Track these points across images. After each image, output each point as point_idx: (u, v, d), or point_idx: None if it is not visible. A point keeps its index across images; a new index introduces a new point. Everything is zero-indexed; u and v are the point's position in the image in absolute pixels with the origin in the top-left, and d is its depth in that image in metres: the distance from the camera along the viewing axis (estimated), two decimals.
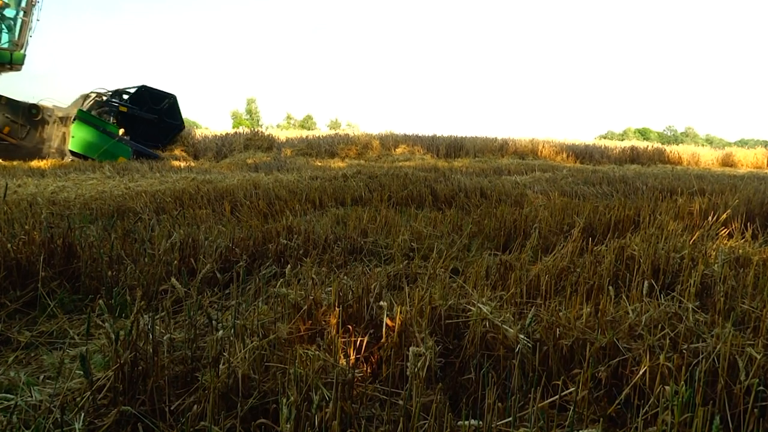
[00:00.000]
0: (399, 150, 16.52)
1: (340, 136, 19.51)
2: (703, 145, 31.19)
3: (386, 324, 1.98)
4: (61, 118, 10.63)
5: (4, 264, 2.61)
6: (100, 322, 2.29)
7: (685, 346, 1.88)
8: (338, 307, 2.09)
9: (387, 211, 4.75)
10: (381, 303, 2.09)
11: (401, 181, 6.98)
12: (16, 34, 10.34)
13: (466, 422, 1.46)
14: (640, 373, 1.71)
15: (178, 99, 11.57)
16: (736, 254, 3.20)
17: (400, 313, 1.96)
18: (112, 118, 10.74)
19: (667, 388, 1.54)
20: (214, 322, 2.02)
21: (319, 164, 11.40)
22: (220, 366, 1.70)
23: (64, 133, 10.17)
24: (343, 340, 1.96)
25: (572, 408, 1.49)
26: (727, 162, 19.20)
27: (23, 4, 10.25)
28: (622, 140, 43.28)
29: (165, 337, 1.85)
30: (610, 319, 2.09)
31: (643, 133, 68.05)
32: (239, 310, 2.26)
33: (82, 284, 2.71)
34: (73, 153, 9.75)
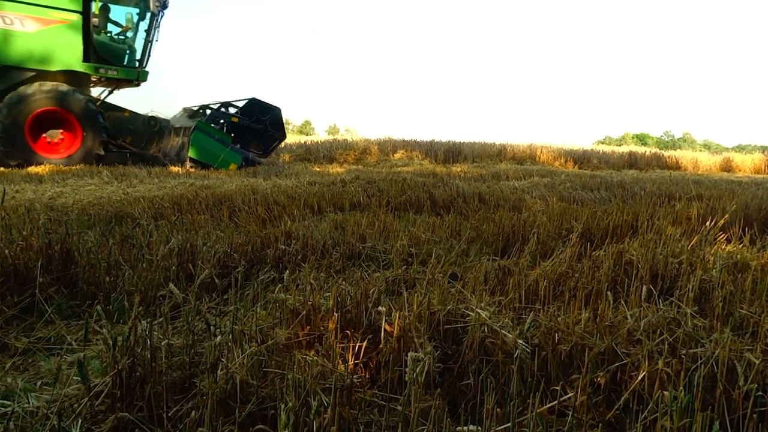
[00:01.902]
0: (397, 155, 16.54)
1: (338, 141, 19.54)
2: (700, 151, 31.28)
3: (385, 329, 1.97)
4: (177, 128, 11.38)
5: (2, 270, 2.60)
6: (98, 328, 2.28)
7: (684, 351, 1.88)
8: (337, 312, 2.09)
9: (385, 216, 4.76)
10: (379, 308, 2.09)
11: (400, 186, 6.98)
12: (139, 53, 11.11)
13: (465, 428, 1.46)
14: (639, 378, 1.71)
15: (281, 111, 12.26)
16: (735, 259, 3.20)
17: (399, 318, 1.96)
18: (224, 128, 11.47)
19: (665, 393, 1.54)
20: (212, 327, 2.02)
21: (318, 169, 11.40)
22: (219, 372, 1.70)
23: (183, 142, 10.85)
24: (341, 345, 1.96)
25: (571, 413, 1.49)
26: (725, 167, 19.25)
27: (146, 27, 11.02)
28: (620, 145, 43.40)
29: (163, 343, 1.85)
30: (608, 324, 2.09)
31: (641, 139, 68.25)
32: (237, 316, 2.26)
33: (80, 290, 2.70)
34: (192, 160, 10.40)
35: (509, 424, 1.46)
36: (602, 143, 56.73)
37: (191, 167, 10.34)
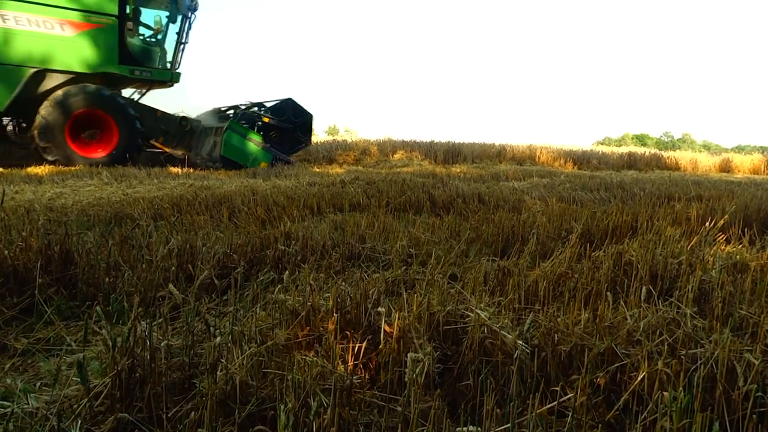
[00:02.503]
0: (397, 156, 16.54)
1: (338, 141, 19.53)
2: (700, 151, 31.26)
3: (384, 330, 1.97)
4: (208, 128, 11.64)
5: (1, 271, 2.60)
6: (98, 329, 2.28)
7: (684, 352, 1.88)
8: (336, 313, 2.09)
9: (385, 216, 4.76)
10: (379, 309, 2.09)
11: (399, 186, 6.98)
12: (170, 55, 11.46)
13: (465, 428, 1.46)
14: (639, 378, 1.71)
15: (313, 119, 12.51)
16: (734, 260, 3.20)
17: (399, 319, 1.96)
18: (256, 128, 11.75)
19: (665, 394, 1.54)
20: (211, 328, 2.02)
21: (317, 170, 11.39)
22: (218, 372, 1.70)
23: (215, 141, 11.09)
24: (341, 346, 1.96)
25: (571, 414, 1.49)
26: (724, 168, 19.27)
27: (176, 29, 11.38)
28: (620, 146, 43.43)
29: (162, 344, 1.85)
30: (608, 324, 2.09)
31: (641, 139, 68.27)
32: (237, 317, 2.26)
33: (80, 291, 2.70)
34: (224, 159, 10.65)
35: (509, 425, 1.46)
36: (602, 144, 56.75)
37: (218, 166, 10.60)
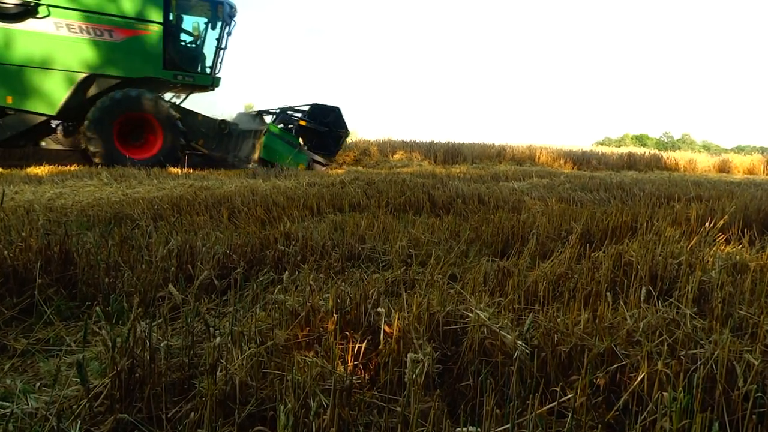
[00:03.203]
0: (397, 156, 16.54)
1: None
2: (699, 152, 31.27)
3: (384, 330, 1.97)
4: (246, 131, 12.08)
5: (1, 271, 2.60)
6: (97, 329, 2.28)
7: (683, 353, 1.88)
8: (336, 313, 2.09)
9: (385, 217, 4.76)
10: (379, 309, 2.09)
11: (399, 187, 6.98)
12: (210, 60, 11.88)
13: (465, 429, 1.46)
14: (639, 379, 1.71)
15: (342, 110, 12.93)
16: (734, 260, 3.21)
17: (398, 319, 1.96)
18: (293, 131, 12.20)
19: (665, 394, 1.54)
20: (211, 328, 2.01)
21: (317, 171, 11.40)
22: (218, 373, 1.70)
23: (253, 144, 11.61)
24: (341, 346, 1.96)
25: (570, 414, 1.49)
26: (723, 168, 19.28)
27: (216, 36, 11.75)
28: (620, 146, 43.42)
29: (162, 344, 1.85)
30: (608, 325, 2.09)
31: (641, 140, 68.27)
32: (237, 317, 2.26)
33: (79, 291, 2.70)
34: (263, 161, 11.16)
35: (509, 425, 1.46)
36: (602, 144, 56.76)
37: (257, 166, 11.05)
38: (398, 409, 1.61)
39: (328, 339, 1.98)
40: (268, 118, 13.18)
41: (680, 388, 1.55)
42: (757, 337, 2.08)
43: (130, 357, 1.68)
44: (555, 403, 1.61)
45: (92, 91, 10.35)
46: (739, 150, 41.72)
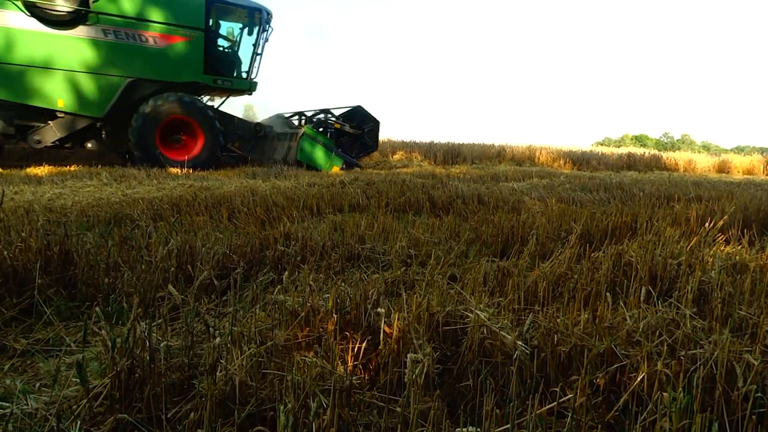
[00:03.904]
0: (397, 156, 16.55)
1: None
2: (699, 152, 31.30)
3: (384, 330, 1.97)
4: (282, 134, 12.47)
5: (1, 271, 2.60)
6: (97, 330, 2.28)
7: (683, 353, 1.88)
8: (336, 313, 2.09)
9: (385, 217, 4.76)
10: (379, 309, 2.09)
11: (399, 187, 6.98)
12: (247, 65, 12.20)
13: (464, 429, 1.46)
14: (638, 379, 1.71)
15: (380, 125, 13.32)
16: (733, 260, 3.21)
17: (398, 319, 1.96)
18: (328, 133, 12.57)
19: (665, 394, 1.54)
20: (211, 329, 2.01)
21: (317, 171, 11.41)
22: (218, 373, 1.70)
23: (289, 146, 11.94)
24: (340, 346, 1.96)
25: (570, 415, 1.49)
26: (723, 168, 19.29)
27: (253, 41, 12.07)
28: (619, 147, 43.46)
29: (162, 345, 1.85)
30: (607, 325, 2.09)
31: (640, 140, 68.29)
32: (236, 317, 2.26)
33: (79, 291, 2.70)
34: (299, 163, 11.44)
35: (508, 426, 1.46)
36: (601, 144, 56.81)
37: (302, 166, 11.37)
38: (398, 409, 1.61)
39: (328, 339, 1.98)
40: (296, 121, 13.53)
41: (680, 389, 1.55)
42: (757, 337, 2.08)
43: (130, 357, 1.68)
44: (555, 403, 1.61)
45: (137, 95, 10.71)
46: (738, 150, 41.74)
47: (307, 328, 2.10)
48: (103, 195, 6.19)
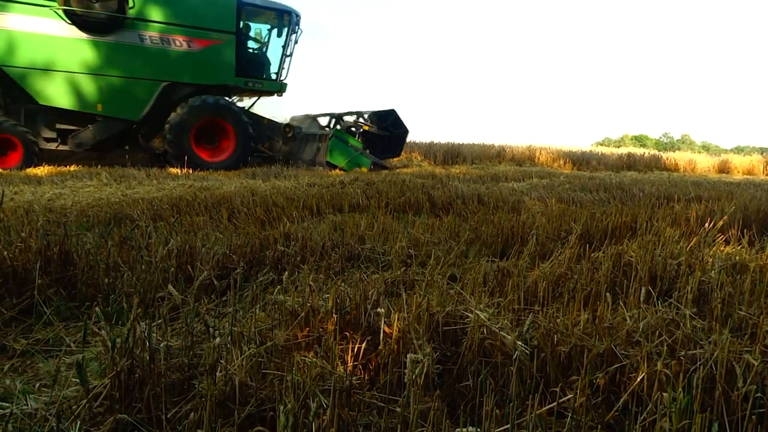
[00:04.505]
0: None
1: None
2: (699, 152, 31.30)
3: (384, 331, 1.97)
4: (310, 135, 12.65)
5: (1, 272, 2.60)
6: (97, 330, 2.28)
7: (683, 353, 1.88)
8: (336, 313, 2.09)
9: (384, 217, 4.76)
10: (379, 310, 2.09)
11: (399, 187, 6.98)
12: (276, 66, 12.42)
13: (464, 429, 1.46)
14: (638, 379, 1.71)
15: (397, 111, 13.54)
16: (733, 261, 3.21)
17: (398, 319, 1.96)
18: (357, 136, 12.89)
19: (665, 394, 1.54)
20: (211, 329, 2.01)
21: (317, 171, 11.42)
22: (218, 373, 1.70)
23: (318, 147, 12.11)
24: (340, 347, 1.96)
25: (570, 415, 1.49)
26: (723, 169, 19.29)
27: (282, 43, 12.30)
28: (619, 147, 43.45)
29: (162, 345, 1.85)
30: (607, 325, 2.09)
31: (640, 140, 68.28)
32: (236, 317, 2.26)
33: (79, 292, 2.70)
34: (328, 163, 11.66)
35: (508, 426, 1.46)
36: (601, 145, 56.80)
37: (329, 168, 11.62)
38: (398, 409, 1.61)
39: (328, 339, 1.98)
40: (323, 121, 13.77)
41: (680, 389, 1.55)
42: (757, 337, 2.08)
43: (130, 357, 1.68)
44: (555, 403, 1.61)
45: (171, 98, 11.00)
46: (738, 150, 41.72)
47: (307, 329, 2.10)
48: (103, 195, 6.19)
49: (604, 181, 9.42)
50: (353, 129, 12.96)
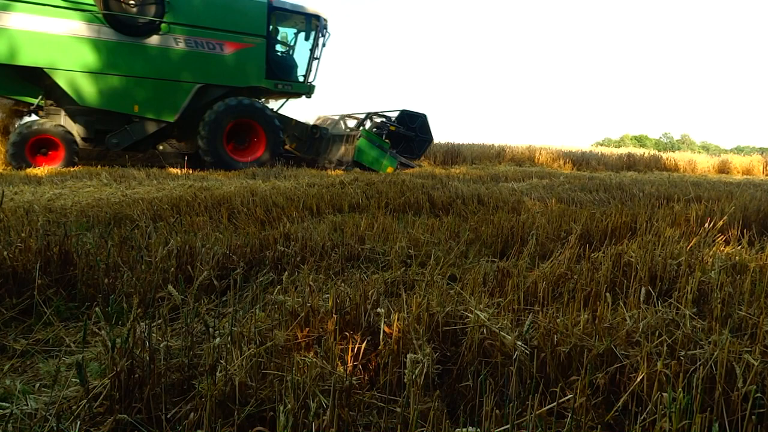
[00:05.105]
0: None
1: None
2: (699, 152, 31.32)
3: (384, 331, 1.97)
4: (337, 136, 12.90)
5: (0, 272, 2.60)
6: (97, 330, 2.28)
7: (683, 353, 1.88)
8: (336, 314, 2.09)
9: (384, 218, 4.76)
10: (378, 310, 2.09)
11: (399, 188, 6.98)
12: (304, 69, 12.70)
13: (464, 429, 1.46)
14: (638, 379, 1.71)
15: (428, 117, 13.85)
16: (733, 261, 3.21)
17: (398, 319, 1.96)
18: (383, 136, 13.06)
19: (664, 395, 1.54)
20: (211, 329, 2.01)
21: (317, 171, 11.43)
22: (217, 373, 1.70)
23: (345, 148, 12.44)
24: (340, 347, 1.96)
25: (570, 415, 1.49)
26: (722, 169, 19.30)
27: (310, 46, 12.60)
28: (619, 147, 43.45)
29: (162, 345, 1.85)
30: (607, 325, 2.09)
31: (640, 140, 68.30)
32: (236, 318, 2.26)
33: (79, 292, 2.70)
34: (356, 163, 11.97)
35: (508, 426, 1.46)
36: (601, 145, 56.83)
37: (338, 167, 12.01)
38: (398, 409, 1.61)
39: (328, 339, 1.98)
40: (350, 122, 13.95)
41: (680, 389, 1.55)
42: (757, 337, 2.08)
43: (130, 358, 1.68)
44: (555, 403, 1.61)
45: (204, 99, 11.32)
46: (738, 150, 41.75)
47: (307, 329, 2.10)
48: (103, 195, 6.19)
49: (604, 182, 9.42)
50: (378, 129, 13.15)
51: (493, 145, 19.85)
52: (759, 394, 1.61)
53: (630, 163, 18.39)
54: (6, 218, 3.99)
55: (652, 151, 24.28)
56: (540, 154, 18.07)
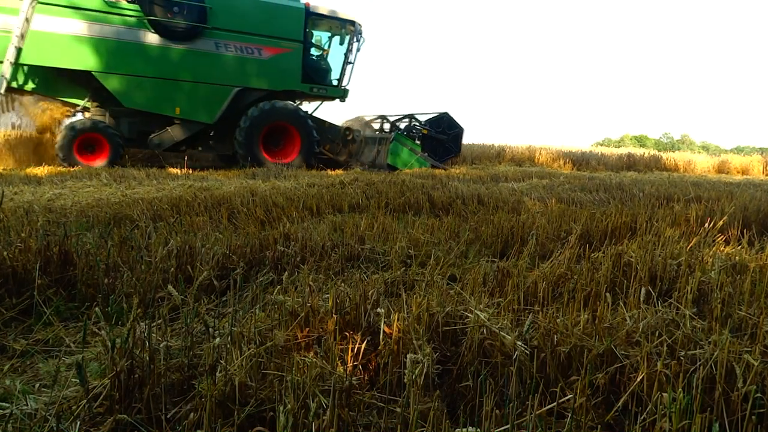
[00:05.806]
0: None
1: None
2: (699, 152, 31.30)
3: (384, 331, 1.97)
4: (370, 138, 13.24)
5: (0, 272, 2.60)
6: (97, 330, 2.28)
7: (683, 353, 1.88)
8: (335, 314, 2.09)
9: (384, 218, 4.76)
10: (378, 310, 2.09)
11: (398, 188, 6.98)
12: (338, 73, 12.98)
13: (464, 429, 1.46)
14: (638, 380, 1.71)
15: (464, 132, 14.22)
16: (733, 261, 3.21)
17: (398, 320, 1.96)
18: (415, 138, 13.39)
19: (664, 395, 1.54)
20: (210, 329, 2.01)
21: (317, 171, 11.44)
22: (217, 374, 1.70)
23: (379, 150, 12.74)
24: (340, 347, 1.96)
25: (570, 415, 1.49)
26: (722, 169, 19.30)
27: (344, 51, 12.87)
28: (619, 147, 43.45)
29: (162, 345, 1.85)
30: (607, 325, 2.09)
31: (640, 140, 68.28)
32: (236, 318, 2.26)
33: (79, 292, 2.70)
34: (389, 166, 12.13)
35: (508, 426, 1.46)
36: (601, 145, 56.83)
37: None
38: (398, 409, 1.61)
39: (328, 339, 1.98)
40: (380, 124, 14.18)
41: (680, 389, 1.55)
42: (757, 337, 2.08)
43: (130, 358, 1.68)
44: (554, 403, 1.61)
45: (242, 102, 11.66)
46: (738, 151, 41.76)
47: (307, 329, 2.10)
48: (103, 195, 6.18)
49: (603, 182, 9.42)
50: (412, 132, 13.39)
51: (493, 145, 19.83)
52: (759, 394, 1.61)
53: (630, 163, 18.37)
54: (6, 218, 3.99)
55: (652, 151, 24.27)
56: (540, 154, 18.05)
